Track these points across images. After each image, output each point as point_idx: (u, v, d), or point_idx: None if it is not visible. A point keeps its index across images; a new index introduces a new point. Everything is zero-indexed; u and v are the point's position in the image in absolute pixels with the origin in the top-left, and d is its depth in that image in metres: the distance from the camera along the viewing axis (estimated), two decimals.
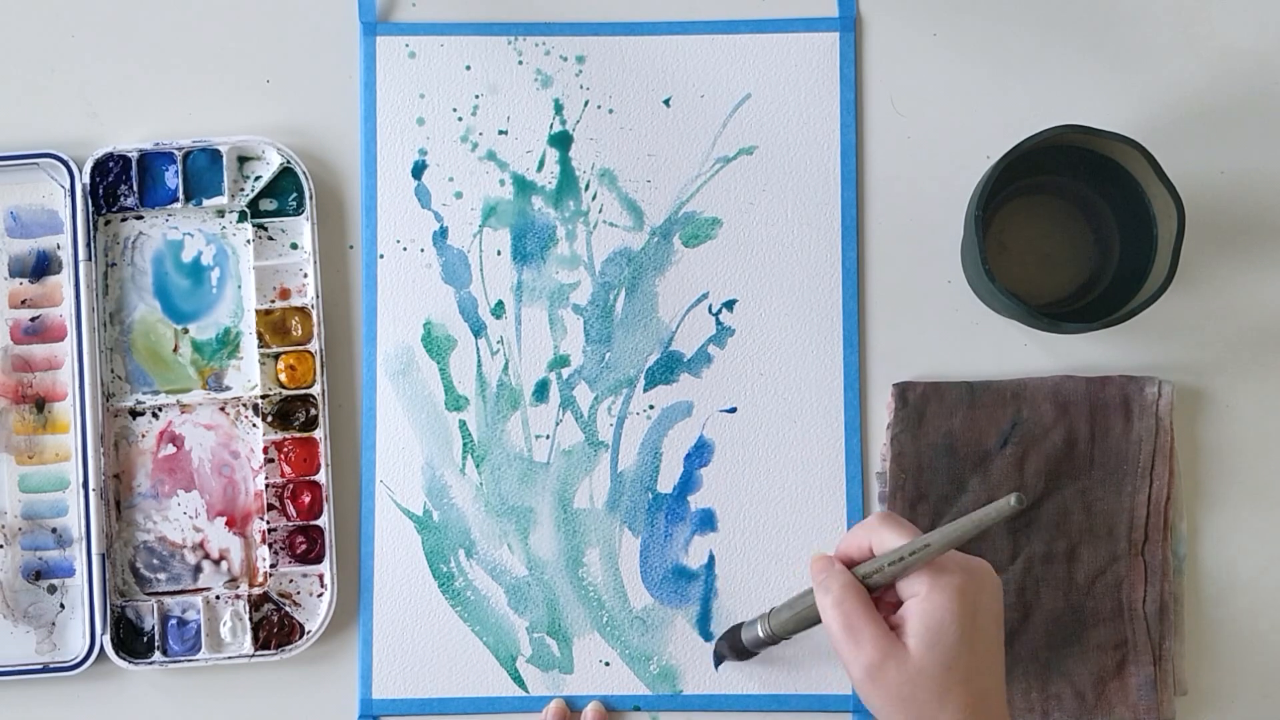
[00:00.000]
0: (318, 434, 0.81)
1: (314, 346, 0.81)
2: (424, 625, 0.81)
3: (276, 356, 0.81)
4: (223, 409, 0.82)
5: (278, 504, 0.81)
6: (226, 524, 0.81)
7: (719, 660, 0.80)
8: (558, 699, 0.80)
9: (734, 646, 0.79)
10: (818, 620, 0.72)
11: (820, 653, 0.80)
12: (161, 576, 0.81)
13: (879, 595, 0.70)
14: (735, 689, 0.81)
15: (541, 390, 0.82)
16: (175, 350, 0.82)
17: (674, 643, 0.81)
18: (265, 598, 0.80)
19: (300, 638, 0.80)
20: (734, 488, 0.82)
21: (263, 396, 0.81)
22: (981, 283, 0.77)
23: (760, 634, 0.76)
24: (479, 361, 0.82)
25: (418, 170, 0.83)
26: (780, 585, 0.81)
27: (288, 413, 0.81)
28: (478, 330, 0.82)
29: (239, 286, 0.82)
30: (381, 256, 0.82)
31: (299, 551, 0.80)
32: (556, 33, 0.83)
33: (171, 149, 0.81)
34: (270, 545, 0.80)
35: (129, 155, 0.81)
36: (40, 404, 0.81)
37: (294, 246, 0.82)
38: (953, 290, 0.82)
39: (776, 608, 0.76)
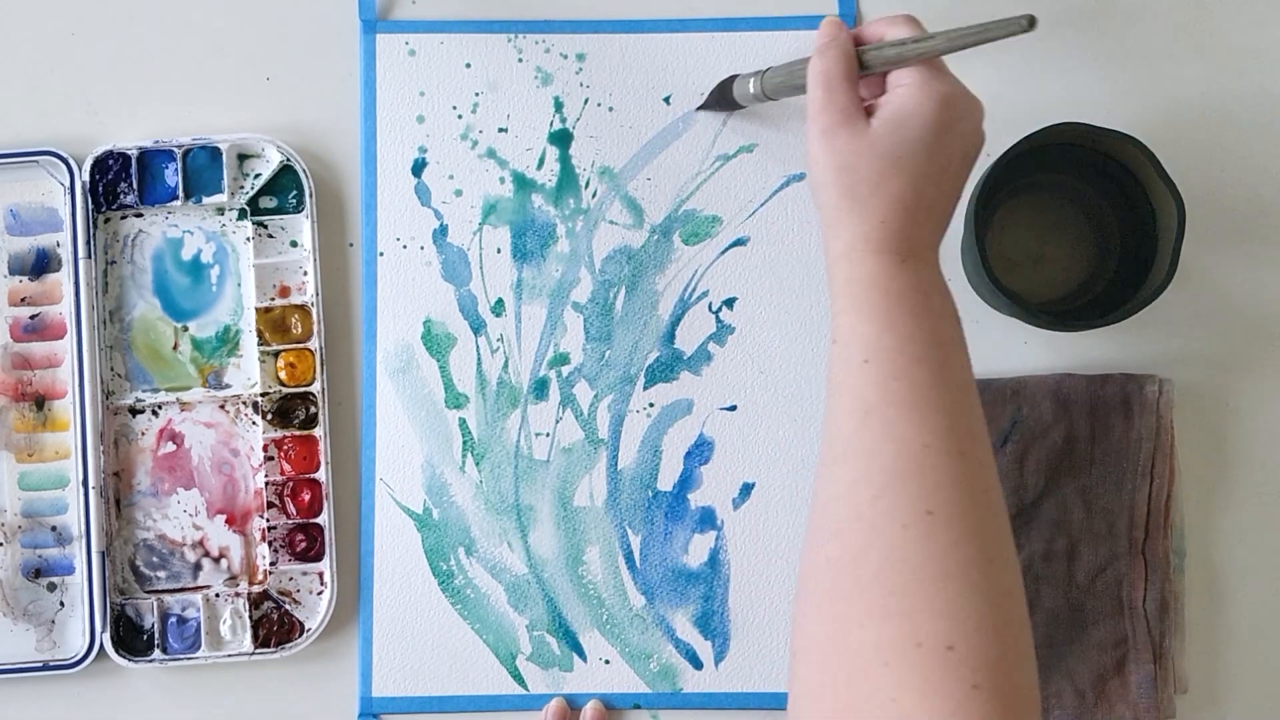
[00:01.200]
0: (317, 432, 0.81)
1: (314, 344, 0.81)
2: (424, 623, 0.81)
3: (276, 354, 0.81)
4: (222, 407, 0.82)
5: (277, 502, 0.81)
6: (226, 522, 0.81)
7: (706, 106, 0.81)
8: (558, 698, 0.80)
9: (725, 96, 0.79)
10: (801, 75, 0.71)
11: None
12: (161, 574, 0.81)
13: (871, 80, 0.69)
14: (735, 688, 0.81)
15: (541, 388, 0.82)
16: (175, 348, 0.82)
17: (674, 641, 0.81)
18: (265, 596, 0.80)
19: (300, 636, 0.80)
20: (734, 486, 0.81)
21: (263, 394, 0.81)
22: (981, 282, 0.77)
23: (751, 89, 0.77)
24: (479, 359, 0.82)
25: (418, 168, 0.83)
26: (782, 583, 0.81)
27: (287, 410, 0.81)
28: (478, 328, 0.82)
29: (239, 284, 0.82)
30: (381, 254, 0.82)
31: (299, 549, 0.80)
32: (557, 30, 0.83)
33: (171, 147, 0.81)
34: (270, 543, 0.80)
35: (129, 153, 0.81)
36: (40, 402, 0.81)
37: (294, 244, 0.82)
38: (953, 289, 0.82)
39: (774, 67, 0.76)
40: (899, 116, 0.65)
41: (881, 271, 0.65)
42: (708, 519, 0.81)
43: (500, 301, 0.82)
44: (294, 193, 0.82)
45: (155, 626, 0.80)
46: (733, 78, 0.79)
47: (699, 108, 0.82)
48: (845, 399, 0.64)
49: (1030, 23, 0.64)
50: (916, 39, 0.67)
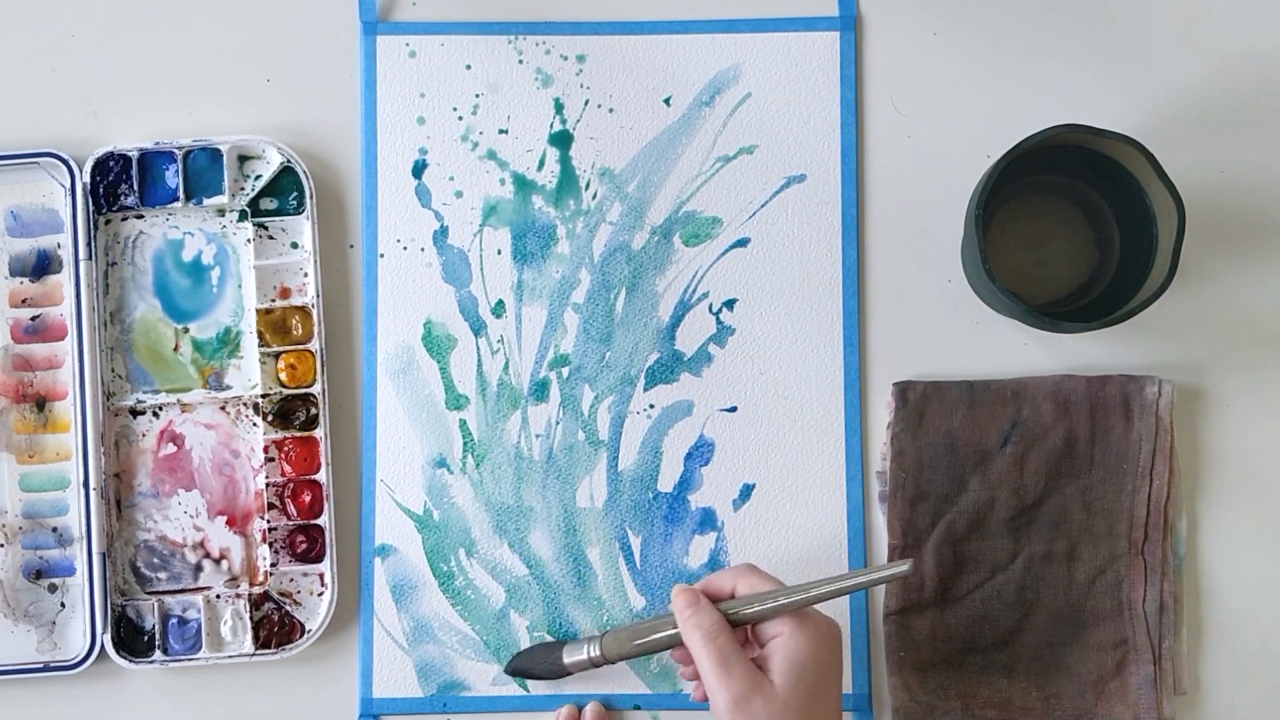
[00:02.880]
0: (318, 433, 0.81)
1: (314, 346, 0.81)
2: (424, 624, 0.81)
3: (277, 356, 0.81)
4: (223, 408, 0.82)
5: (278, 503, 0.81)
6: (227, 523, 0.81)
7: (517, 673, 0.80)
8: (569, 705, 0.80)
9: (549, 665, 0.79)
10: (663, 648, 0.76)
11: None
12: (162, 575, 0.81)
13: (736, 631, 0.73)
14: None
15: (542, 389, 0.82)
16: (176, 349, 0.82)
17: None
18: (266, 597, 0.80)
19: (301, 637, 0.80)
20: (734, 487, 0.82)
21: (263, 396, 0.81)
22: (981, 282, 0.77)
23: (588, 655, 0.77)
24: (479, 361, 0.82)
25: (418, 169, 0.83)
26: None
27: (288, 412, 0.81)
28: (478, 329, 0.82)
29: (239, 286, 0.82)
30: (382, 256, 0.82)
31: (299, 550, 0.80)
32: (557, 32, 0.83)
33: (172, 148, 0.81)
34: (271, 544, 0.80)
35: (129, 154, 0.81)
36: (41, 403, 0.81)
37: (294, 246, 0.82)
38: (953, 290, 0.82)
39: (612, 631, 0.77)
40: (796, 668, 0.70)
41: None
42: (708, 520, 0.81)
43: (501, 303, 0.82)
44: (294, 194, 0.82)
45: (156, 628, 0.80)
46: (553, 645, 0.79)
47: (510, 673, 0.80)
48: None
49: (912, 567, 0.71)
50: (789, 594, 0.72)
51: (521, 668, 0.80)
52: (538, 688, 0.81)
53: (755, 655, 0.73)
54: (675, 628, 0.74)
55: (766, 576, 0.73)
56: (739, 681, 0.70)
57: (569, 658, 0.78)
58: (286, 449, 0.81)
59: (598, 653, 0.77)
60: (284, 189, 0.82)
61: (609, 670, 0.80)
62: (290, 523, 0.80)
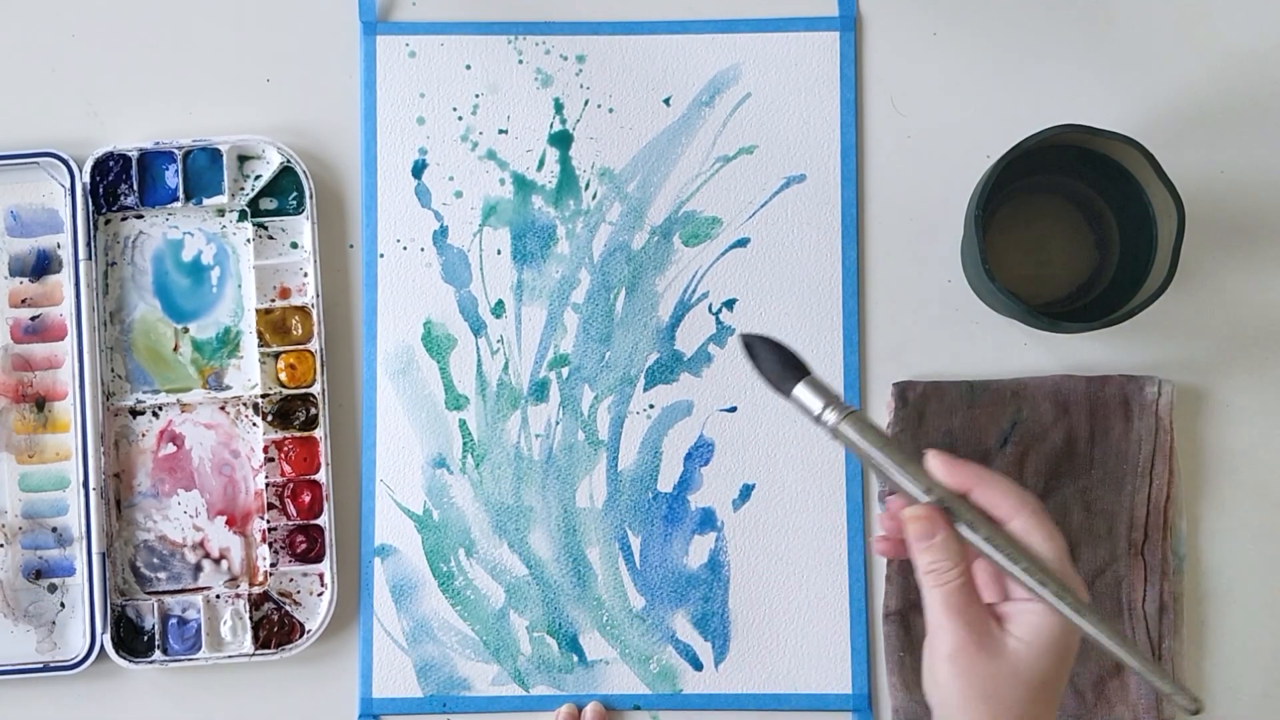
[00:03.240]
0: (318, 433, 0.81)
1: (314, 346, 0.81)
2: (424, 624, 0.81)
3: (277, 356, 0.81)
4: (223, 408, 0.82)
5: (278, 503, 0.81)
6: (227, 523, 0.81)
7: (750, 347, 0.67)
8: (568, 705, 0.80)
9: (780, 373, 0.66)
10: (887, 485, 0.64)
11: (820, 653, 0.80)
12: (162, 575, 0.81)
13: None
14: (735, 689, 0.81)
15: (541, 389, 0.82)
16: (175, 349, 0.82)
17: (674, 642, 0.81)
18: (265, 597, 0.80)
19: (300, 637, 0.80)
20: (734, 487, 0.82)
21: (263, 396, 0.81)
22: (981, 282, 0.77)
23: (819, 412, 0.64)
24: (479, 361, 0.82)
25: (418, 169, 0.83)
26: (782, 584, 0.81)
27: (288, 412, 0.81)
28: (478, 329, 0.82)
29: (239, 286, 0.82)
30: (381, 256, 0.82)
31: (299, 550, 0.80)
32: (557, 32, 0.83)
33: (171, 148, 0.81)
34: (270, 544, 0.80)
35: (129, 154, 0.81)
36: (40, 403, 0.81)
37: (294, 246, 0.82)
38: (953, 290, 0.82)
39: (861, 420, 0.64)
40: (1043, 642, 0.61)
41: None
42: (708, 520, 0.81)
43: (500, 303, 0.82)
44: (294, 194, 0.82)
45: (156, 628, 0.80)
46: (795, 362, 0.66)
47: (746, 349, 0.68)
48: None
49: (1196, 708, 0.60)
50: (1057, 583, 0.61)
51: (756, 351, 0.67)
52: (537, 688, 0.81)
53: (998, 606, 0.63)
54: (923, 487, 0.63)
55: (1053, 530, 0.62)
56: (964, 631, 0.61)
57: (803, 391, 0.65)
58: (286, 449, 0.81)
59: (832, 421, 0.64)
60: (284, 189, 0.82)
61: (609, 670, 0.80)
62: (290, 523, 0.80)
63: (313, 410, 0.81)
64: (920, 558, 0.62)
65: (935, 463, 0.64)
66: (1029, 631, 0.61)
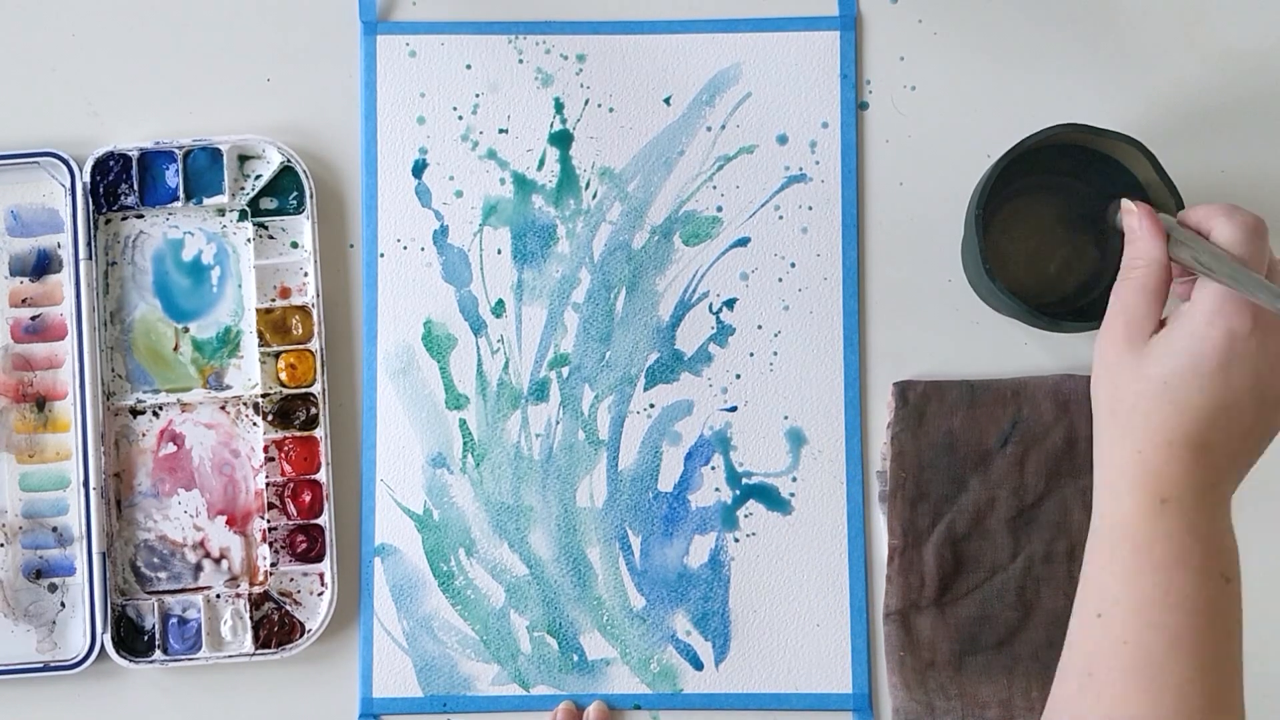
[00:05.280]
0: (318, 433, 0.81)
1: (314, 345, 0.81)
2: (424, 624, 0.81)
3: (277, 355, 0.81)
4: (223, 408, 0.82)
5: (278, 503, 0.81)
6: (227, 523, 0.81)
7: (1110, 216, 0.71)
8: (567, 701, 0.80)
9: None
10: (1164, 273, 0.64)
11: (820, 652, 0.81)
12: (162, 575, 0.81)
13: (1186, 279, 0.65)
14: (735, 688, 0.81)
15: (541, 389, 0.82)
16: (176, 349, 0.82)
17: (674, 642, 0.81)
18: (266, 596, 0.80)
19: (301, 636, 0.80)
20: (735, 486, 0.81)
21: (263, 395, 0.81)
22: (981, 282, 0.77)
23: (1186, 255, 0.65)
24: (479, 360, 0.82)
25: (418, 169, 0.83)
26: (782, 584, 0.81)
27: (288, 411, 0.81)
28: (478, 329, 0.82)
29: (239, 285, 0.82)
30: (382, 255, 0.82)
31: (299, 550, 0.80)
32: (557, 31, 0.83)
33: (172, 148, 0.81)
34: (271, 544, 0.80)
35: (129, 154, 0.81)
36: (41, 403, 0.81)
37: (294, 245, 0.82)
38: (953, 290, 0.82)
39: (1215, 253, 0.63)
40: (1176, 341, 0.61)
41: (1135, 513, 0.60)
42: (708, 520, 0.81)
43: (501, 302, 0.82)
44: (295, 194, 0.82)
45: (156, 627, 0.80)
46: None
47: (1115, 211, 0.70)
48: (1074, 654, 0.59)
49: None
50: (1225, 262, 0.61)
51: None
52: (537, 687, 0.81)
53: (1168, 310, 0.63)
54: (1216, 272, 0.62)
55: (1262, 250, 0.62)
56: (1120, 321, 0.62)
57: (1174, 249, 0.65)
58: (286, 449, 0.81)
59: (1190, 258, 0.64)
60: (284, 189, 0.82)
61: (609, 670, 0.80)
62: (290, 522, 0.80)
63: (313, 410, 0.81)
64: (1126, 250, 0.65)
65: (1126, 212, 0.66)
66: (1169, 332, 0.61)
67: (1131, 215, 0.66)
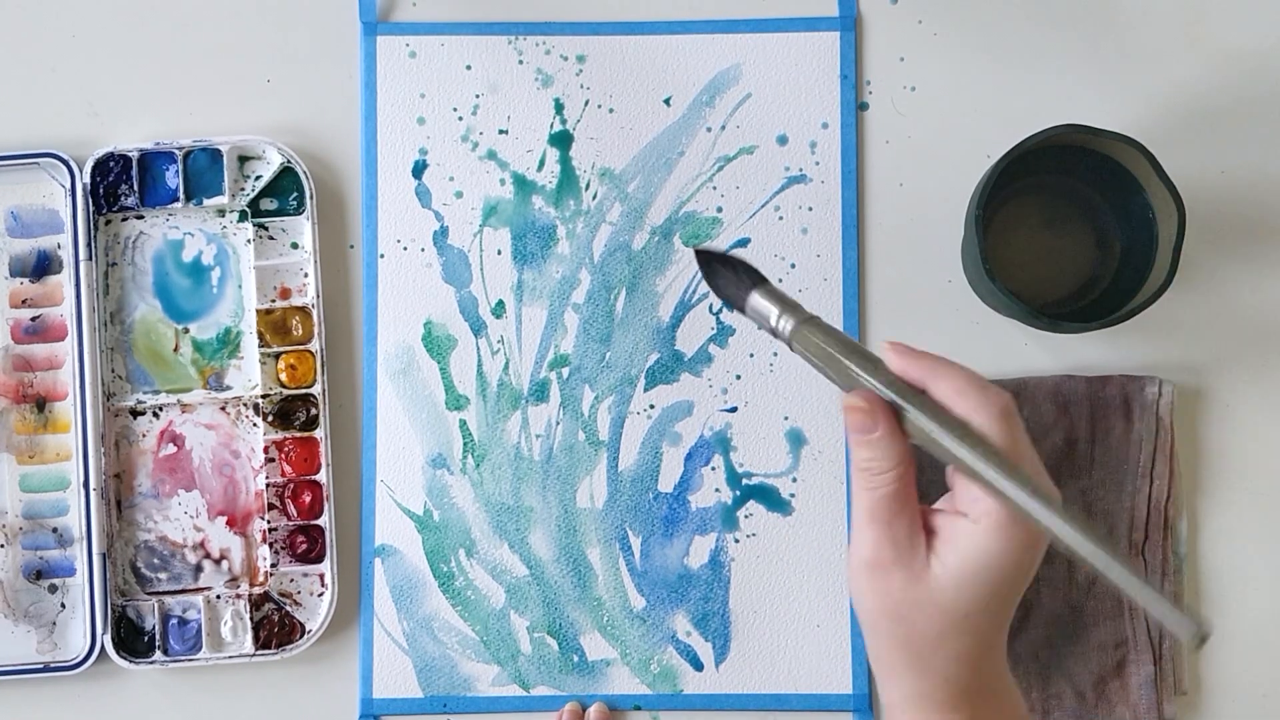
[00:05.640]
0: (318, 433, 0.81)
1: (314, 346, 0.81)
2: (424, 625, 0.81)
3: (277, 356, 0.81)
4: (223, 408, 0.82)
5: (278, 503, 0.81)
6: (227, 523, 0.81)
7: (703, 258, 0.63)
8: (573, 702, 0.80)
9: (736, 287, 0.61)
10: (828, 374, 0.57)
11: (820, 653, 0.81)
12: (162, 576, 0.81)
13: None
14: (735, 689, 0.81)
15: (542, 390, 0.82)
16: (176, 350, 0.82)
17: (674, 643, 0.81)
18: (266, 597, 0.80)
19: (301, 637, 0.80)
20: (735, 487, 0.81)
21: (263, 396, 0.81)
22: (981, 283, 0.77)
23: (773, 318, 0.59)
24: (479, 361, 0.82)
25: (418, 170, 0.83)
26: (782, 584, 0.81)
27: (288, 412, 0.81)
28: (478, 330, 0.82)
29: (239, 286, 0.82)
30: (382, 256, 0.82)
31: (300, 551, 0.80)
32: (557, 32, 0.83)
33: (172, 148, 0.81)
34: (271, 545, 0.80)
35: (129, 155, 0.81)
36: (41, 404, 0.81)
37: (294, 246, 0.82)
38: (953, 290, 0.82)
39: (814, 326, 0.58)
40: (972, 569, 0.54)
41: None
42: (708, 520, 0.81)
43: (501, 303, 0.82)
44: (295, 194, 0.82)
45: (156, 628, 0.80)
46: (750, 271, 0.62)
47: (700, 261, 0.64)
48: None
49: (1201, 639, 0.51)
50: (1021, 480, 0.52)
51: (711, 260, 0.62)
52: (537, 688, 0.81)
53: (937, 507, 0.57)
54: (883, 382, 0.56)
55: (1020, 434, 0.54)
56: (886, 546, 0.55)
57: (758, 300, 0.60)
58: (287, 449, 0.81)
59: (787, 330, 0.59)
60: (284, 189, 0.82)
61: (609, 671, 0.80)
62: (290, 523, 0.80)
63: (313, 410, 0.81)
64: (856, 452, 0.55)
65: (890, 354, 0.56)
66: (954, 555, 0.54)
67: (854, 414, 0.56)
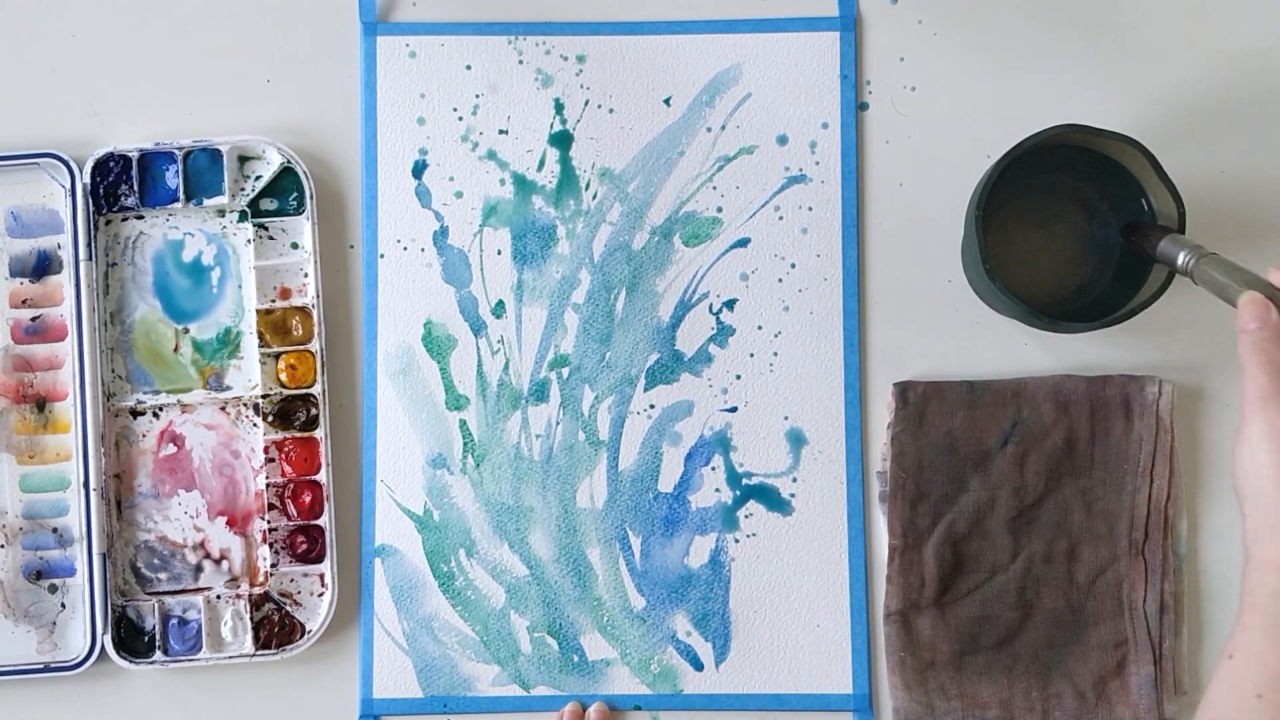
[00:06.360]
0: (318, 433, 0.81)
1: (314, 346, 0.81)
2: (424, 625, 0.81)
3: (277, 356, 0.81)
4: (223, 409, 0.82)
5: (278, 503, 0.81)
6: (227, 524, 0.81)
7: (1128, 236, 0.77)
8: (574, 702, 0.80)
9: (1146, 243, 0.74)
10: (1223, 295, 0.67)
11: (820, 653, 0.81)
12: (162, 576, 0.81)
13: None
14: (735, 689, 0.81)
15: (542, 390, 0.82)
16: (176, 350, 0.82)
17: (674, 643, 0.81)
18: (266, 597, 0.81)
19: (301, 637, 0.80)
20: (735, 487, 0.81)
21: (263, 396, 0.81)
22: (981, 283, 0.77)
23: (1180, 261, 0.71)
24: (479, 361, 0.82)
25: (418, 170, 0.83)
26: (782, 584, 0.81)
27: (288, 412, 0.81)
28: (478, 330, 0.82)
29: (239, 286, 0.82)
30: (382, 256, 0.82)
31: (300, 551, 0.81)
32: (557, 32, 0.83)
33: (172, 149, 0.81)
34: (271, 545, 0.80)
35: (129, 155, 0.81)
36: (41, 404, 0.81)
37: (294, 246, 0.82)
38: (953, 290, 0.82)
39: (1208, 257, 0.70)
40: None
41: None
42: (708, 520, 0.81)
43: (501, 303, 0.82)
44: (295, 195, 0.82)
45: (156, 628, 0.80)
46: (1157, 230, 0.74)
47: (1125, 238, 0.77)
48: None
49: None
50: None
51: (1131, 233, 0.76)
52: (537, 688, 0.81)
53: None
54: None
55: None
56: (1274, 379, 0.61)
57: (1164, 249, 0.73)
58: (287, 449, 0.81)
59: (1189, 266, 0.70)
60: (284, 189, 0.82)
61: (610, 671, 0.80)
62: (290, 523, 0.81)
63: (313, 410, 0.81)
64: (1256, 334, 0.63)
65: (1275, 272, 0.65)
66: None
67: (1253, 304, 0.65)
